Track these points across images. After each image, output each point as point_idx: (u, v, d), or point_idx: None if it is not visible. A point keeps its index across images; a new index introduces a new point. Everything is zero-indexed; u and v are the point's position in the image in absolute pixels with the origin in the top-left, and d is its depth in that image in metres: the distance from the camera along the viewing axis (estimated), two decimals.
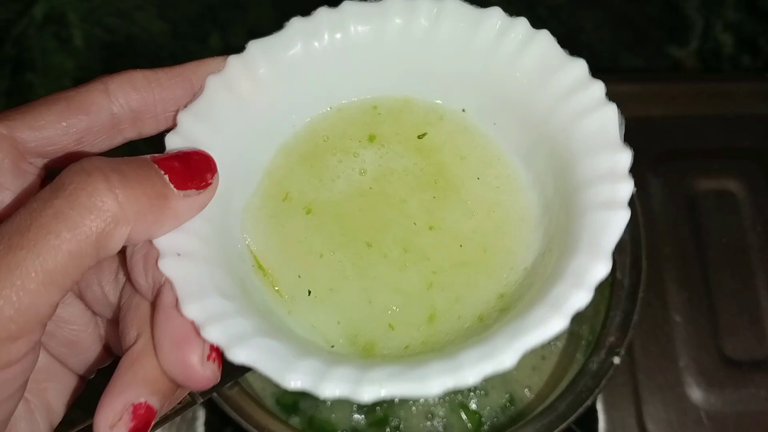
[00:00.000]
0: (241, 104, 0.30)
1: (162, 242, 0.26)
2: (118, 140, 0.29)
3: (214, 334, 0.25)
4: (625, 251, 0.46)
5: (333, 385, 0.24)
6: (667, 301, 0.55)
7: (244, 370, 0.26)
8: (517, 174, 0.32)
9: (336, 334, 0.29)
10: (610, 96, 0.28)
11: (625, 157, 0.27)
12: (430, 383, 0.24)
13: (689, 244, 0.57)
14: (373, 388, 0.24)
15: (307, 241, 0.31)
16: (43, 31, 0.71)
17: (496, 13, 0.30)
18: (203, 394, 0.31)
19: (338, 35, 0.31)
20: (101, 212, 0.23)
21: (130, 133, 0.29)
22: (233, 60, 0.30)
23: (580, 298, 0.24)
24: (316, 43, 0.31)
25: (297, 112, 0.33)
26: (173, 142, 0.29)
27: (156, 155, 0.27)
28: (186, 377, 0.25)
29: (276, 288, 0.30)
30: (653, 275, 0.51)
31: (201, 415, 0.52)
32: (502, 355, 0.24)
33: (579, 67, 0.29)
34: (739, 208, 0.58)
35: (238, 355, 0.24)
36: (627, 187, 0.27)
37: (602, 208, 0.26)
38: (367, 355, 0.29)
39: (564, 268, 0.26)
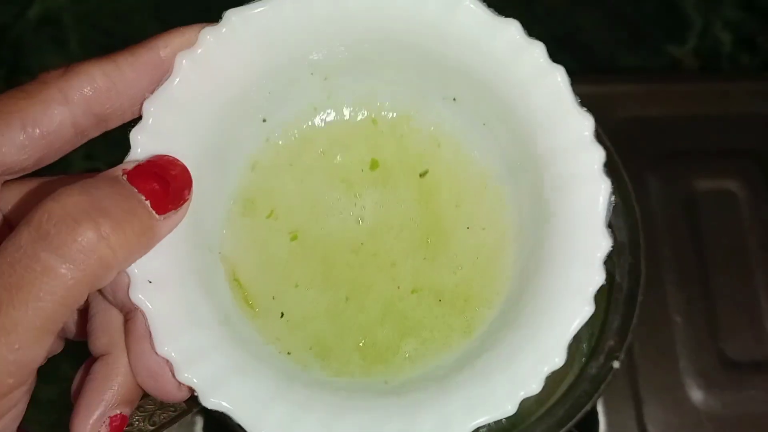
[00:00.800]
0: (217, 88, 0.27)
1: (132, 266, 0.25)
2: (80, 143, 0.27)
3: (188, 379, 0.25)
4: (623, 254, 0.45)
5: None
6: (667, 303, 0.55)
7: None
8: (502, 197, 0.31)
9: (307, 356, 0.30)
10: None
11: (604, 244, 0.27)
12: None
13: (688, 244, 0.57)
14: None
15: (287, 267, 0.30)
16: (38, 33, 0.71)
17: (514, 26, 0.28)
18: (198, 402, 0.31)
19: (336, 2, 0.27)
20: (93, 262, 0.22)
21: (94, 134, 0.27)
22: (207, 33, 0.27)
23: (531, 389, 0.26)
24: (309, 10, 0.27)
25: (282, 99, 0.29)
26: (141, 142, 0.26)
27: (129, 170, 0.25)
28: (163, 398, 0.26)
29: (249, 302, 0.30)
30: (652, 277, 0.51)
31: (198, 420, 0.52)
32: None
33: (587, 124, 0.27)
34: (739, 208, 0.58)
35: (212, 404, 0.26)
36: (598, 280, 0.26)
37: (573, 295, 0.26)
38: (334, 374, 0.29)
39: (524, 344, 0.27)
